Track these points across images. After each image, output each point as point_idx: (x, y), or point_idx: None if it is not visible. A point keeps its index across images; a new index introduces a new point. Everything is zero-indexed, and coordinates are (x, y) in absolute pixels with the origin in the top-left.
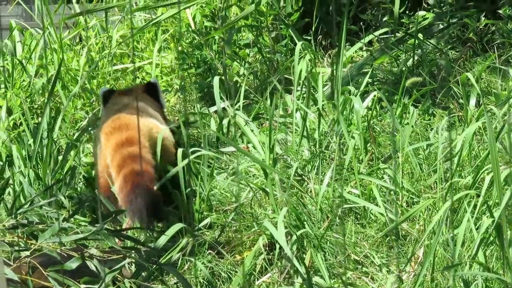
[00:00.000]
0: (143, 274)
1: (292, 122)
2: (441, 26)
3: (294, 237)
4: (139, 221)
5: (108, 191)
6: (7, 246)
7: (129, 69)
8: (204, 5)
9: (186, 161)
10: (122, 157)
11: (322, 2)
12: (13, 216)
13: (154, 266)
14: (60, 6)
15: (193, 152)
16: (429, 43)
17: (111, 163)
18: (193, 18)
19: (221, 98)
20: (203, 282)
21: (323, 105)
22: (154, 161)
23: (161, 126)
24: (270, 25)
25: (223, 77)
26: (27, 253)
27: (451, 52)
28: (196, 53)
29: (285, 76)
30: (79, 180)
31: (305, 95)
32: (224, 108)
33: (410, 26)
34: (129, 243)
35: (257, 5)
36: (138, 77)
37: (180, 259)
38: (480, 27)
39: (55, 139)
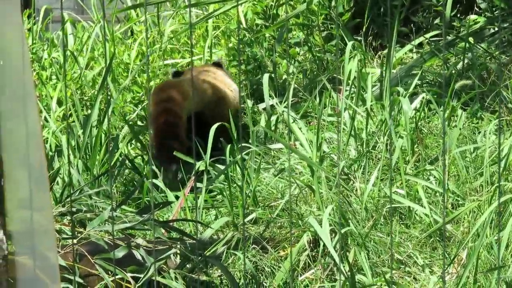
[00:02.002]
0: (188, 265)
1: (340, 121)
2: (492, 30)
3: (338, 235)
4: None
5: None
6: (55, 234)
7: (180, 64)
8: (255, 3)
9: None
10: (156, 112)
11: (373, 3)
12: (62, 204)
13: (199, 258)
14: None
15: (242, 148)
16: (479, 47)
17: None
18: (245, 16)
19: (270, 95)
20: (246, 275)
21: (371, 105)
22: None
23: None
24: (321, 24)
25: (272, 75)
26: (75, 240)
27: (502, 57)
28: (247, 50)
29: (334, 75)
30: (127, 172)
31: (353, 95)
32: (272, 106)
33: (461, 29)
34: (175, 234)
35: (308, 4)
36: None
37: (225, 252)
38: None
39: (104, 131)
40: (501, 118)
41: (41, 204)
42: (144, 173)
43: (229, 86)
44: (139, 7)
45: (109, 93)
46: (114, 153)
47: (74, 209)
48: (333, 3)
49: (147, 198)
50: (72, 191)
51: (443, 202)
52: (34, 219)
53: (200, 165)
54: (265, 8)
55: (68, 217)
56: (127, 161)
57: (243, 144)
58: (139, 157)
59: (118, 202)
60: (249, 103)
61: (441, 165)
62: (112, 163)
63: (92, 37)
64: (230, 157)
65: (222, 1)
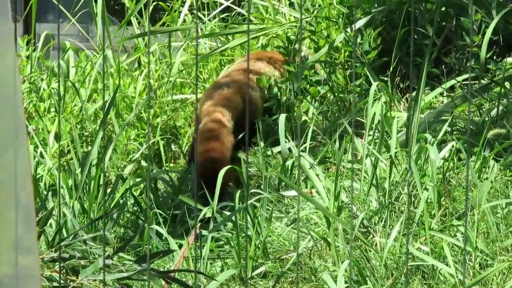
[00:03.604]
0: None
1: (361, 168)
2: None
3: None
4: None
5: None
6: (45, 281)
7: (190, 100)
8: (275, 35)
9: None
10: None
11: (402, 41)
12: (54, 249)
13: None
14: (121, 27)
15: (252, 194)
16: None
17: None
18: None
19: (286, 137)
20: None
21: (396, 152)
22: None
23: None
24: (344, 62)
25: (290, 115)
26: None
27: None
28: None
29: (357, 118)
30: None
31: (377, 141)
32: (289, 149)
33: (497, 73)
34: (176, 287)
35: (330, 47)
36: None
37: None
38: None
39: (105, 170)
40: None
41: (27, 246)
42: (146, 218)
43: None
44: (145, 36)
45: (111, 129)
46: (114, 195)
47: (66, 255)
48: (358, 40)
49: (147, 246)
50: (65, 235)
51: (467, 261)
52: (20, 262)
53: (206, 211)
54: (285, 42)
55: (61, 264)
56: (128, 205)
57: (254, 190)
58: (142, 198)
59: (115, 248)
60: (262, 145)
61: (468, 220)
62: (112, 205)
63: (96, 67)
64: (239, 203)
65: (236, 33)
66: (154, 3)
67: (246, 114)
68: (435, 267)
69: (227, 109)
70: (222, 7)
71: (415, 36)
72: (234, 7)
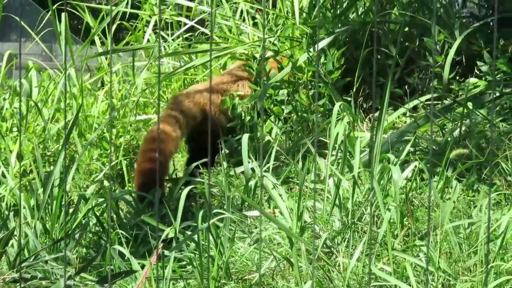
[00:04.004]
0: None
1: (324, 188)
2: (493, 96)
3: None
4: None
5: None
6: None
7: (153, 120)
8: (242, 55)
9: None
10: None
11: (365, 62)
12: (15, 270)
13: None
14: (84, 47)
15: (215, 214)
16: (478, 113)
17: None
18: (225, 67)
19: (249, 157)
20: None
21: (359, 172)
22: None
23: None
24: (308, 82)
25: (253, 135)
26: None
27: (502, 125)
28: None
29: (320, 138)
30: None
31: (340, 161)
32: (252, 169)
33: (460, 93)
34: None
35: (293, 67)
36: None
37: None
38: None
39: (67, 191)
40: (499, 192)
41: None
42: (108, 238)
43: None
44: (107, 54)
45: (74, 149)
46: (76, 215)
47: (28, 276)
48: (322, 60)
49: (109, 266)
50: (27, 256)
51: (429, 281)
52: None
53: (169, 231)
54: (249, 61)
55: (22, 284)
56: (90, 225)
57: (217, 210)
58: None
59: (77, 269)
60: (225, 165)
61: (431, 240)
62: (74, 226)
63: (59, 86)
64: (202, 223)
65: (199, 52)
66: (118, 23)
67: (208, 135)
68: (398, 287)
69: (179, 118)
70: (186, 27)
71: (378, 56)
72: (198, 26)
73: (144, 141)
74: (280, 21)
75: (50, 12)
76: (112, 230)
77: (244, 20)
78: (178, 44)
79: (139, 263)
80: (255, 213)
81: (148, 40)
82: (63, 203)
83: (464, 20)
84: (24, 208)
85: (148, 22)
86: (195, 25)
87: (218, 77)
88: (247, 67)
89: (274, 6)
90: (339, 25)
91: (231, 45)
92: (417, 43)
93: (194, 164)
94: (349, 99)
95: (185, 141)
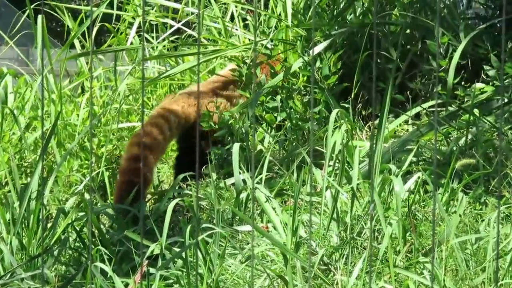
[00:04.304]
0: None
1: (321, 201)
2: (501, 102)
3: None
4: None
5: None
6: None
7: (137, 128)
8: (233, 59)
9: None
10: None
11: (364, 66)
12: None
13: None
14: (64, 50)
15: (204, 229)
16: (485, 121)
17: None
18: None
19: (240, 168)
20: None
21: (358, 184)
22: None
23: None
24: (302, 88)
25: (244, 144)
26: None
27: (511, 133)
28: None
29: (316, 147)
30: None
31: (337, 171)
32: (243, 180)
33: (465, 99)
34: None
35: (287, 72)
36: None
37: None
38: None
39: (45, 204)
40: (508, 205)
41: None
42: (89, 255)
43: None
44: (87, 55)
45: (52, 159)
46: (55, 230)
47: None
48: (317, 64)
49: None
50: (2, 273)
51: None
52: None
53: (154, 248)
54: (240, 66)
55: None
56: (70, 241)
57: (206, 225)
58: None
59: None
60: (215, 176)
61: (435, 256)
62: (52, 241)
63: (36, 92)
64: (189, 239)
65: (185, 55)
66: (99, 25)
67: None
68: None
69: (170, 119)
70: (172, 29)
71: (378, 60)
72: (185, 28)
73: (127, 147)
74: (273, 23)
75: (26, 13)
76: (93, 246)
77: (234, 21)
78: (164, 47)
79: (122, 282)
80: (247, 227)
81: (132, 43)
82: (40, 217)
83: (469, 22)
84: None
85: (131, 24)
86: (182, 27)
87: (214, 77)
88: (237, 72)
89: (266, 7)
90: (336, 27)
91: (220, 48)
92: (419, 46)
93: (181, 176)
94: (347, 105)
95: (176, 140)
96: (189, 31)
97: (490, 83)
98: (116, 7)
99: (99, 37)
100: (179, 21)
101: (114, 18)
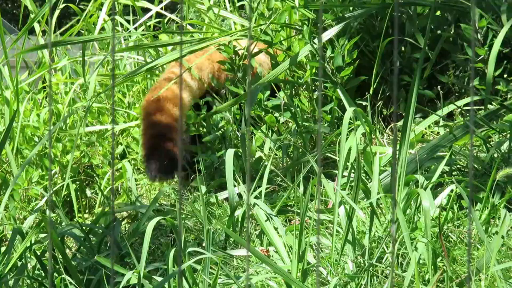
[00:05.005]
0: None
1: (333, 220)
2: None
3: None
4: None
5: None
6: None
7: (109, 131)
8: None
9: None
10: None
11: (385, 55)
12: None
13: None
14: (20, 37)
15: (191, 254)
16: None
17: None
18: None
19: (235, 179)
20: None
21: (378, 199)
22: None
23: None
24: (310, 82)
25: (240, 150)
26: None
27: None
28: (205, 113)
29: (327, 154)
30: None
31: (353, 184)
32: (238, 195)
33: (508, 95)
34: None
35: (292, 63)
36: (121, 144)
37: None
38: None
39: None
40: None
41: None
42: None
43: None
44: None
45: (7, 169)
46: (10, 254)
47: None
48: (328, 53)
49: None
50: None
51: None
52: None
53: (131, 276)
54: (233, 56)
55: None
56: (29, 268)
57: (193, 249)
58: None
59: None
60: (204, 189)
61: (472, 287)
62: (7, 269)
63: None
64: (173, 266)
65: (167, 45)
66: (64, 5)
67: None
68: None
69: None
70: (151, 12)
71: (402, 48)
72: (166, 13)
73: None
74: (274, 3)
75: None
76: (56, 275)
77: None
78: (142, 35)
79: None
80: (243, 252)
81: (103, 29)
82: None
83: None
84: None
85: (102, 5)
86: (162, 11)
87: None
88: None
89: None
90: (351, 8)
91: (209, 36)
92: (452, 31)
93: (166, 188)
94: (364, 103)
95: None
96: (171, 16)
97: None
98: None
99: (63, 20)
100: (160, 3)
101: None
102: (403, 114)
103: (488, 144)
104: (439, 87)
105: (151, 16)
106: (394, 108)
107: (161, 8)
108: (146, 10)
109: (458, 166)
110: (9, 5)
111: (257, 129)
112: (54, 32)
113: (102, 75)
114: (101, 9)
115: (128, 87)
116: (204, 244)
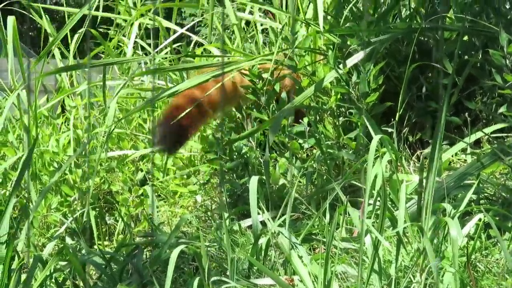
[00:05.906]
0: None
1: (359, 249)
2: None
3: None
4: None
5: None
6: None
7: (130, 157)
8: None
9: None
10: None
11: (412, 81)
12: None
13: None
14: (39, 60)
15: (214, 283)
16: None
17: None
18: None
19: (259, 207)
20: None
21: (404, 228)
22: None
23: None
24: (335, 108)
25: (263, 178)
26: None
27: None
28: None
29: (353, 182)
30: None
31: (379, 212)
32: (262, 223)
33: None
34: None
35: (317, 89)
36: (141, 170)
37: None
38: None
39: (18, 251)
40: None
41: None
42: None
43: None
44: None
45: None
46: (30, 282)
47: None
48: (354, 78)
49: None
50: None
51: None
52: None
53: None
54: (257, 81)
55: None
56: None
57: (216, 278)
58: None
59: None
60: (227, 217)
61: None
62: None
63: (5, 112)
64: None
65: (191, 68)
66: (84, 29)
67: None
68: None
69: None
70: (176, 35)
71: (429, 74)
72: (190, 34)
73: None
74: (299, 27)
75: None
76: None
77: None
78: (164, 58)
79: None
80: (268, 281)
81: (121, 52)
82: (13, 267)
83: None
84: None
85: (119, 27)
86: (187, 32)
87: None
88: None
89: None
90: (377, 33)
91: (233, 60)
92: (480, 56)
93: (187, 216)
94: (390, 130)
95: None
96: (196, 37)
97: None
98: (106, 8)
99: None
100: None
101: (98, 21)
102: (430, 141)
103: None
104: (466, 113)
105: (175, 39)
106: (421, 135)
107: (187, 30)
108: (171, 32)
109: (486, 194)
110: (25, 27)
111: (280, 155)
112: (74, 56)
113: (122, 97)
114: (118, 31)
115: (148, 112)
116: (228, 273)
